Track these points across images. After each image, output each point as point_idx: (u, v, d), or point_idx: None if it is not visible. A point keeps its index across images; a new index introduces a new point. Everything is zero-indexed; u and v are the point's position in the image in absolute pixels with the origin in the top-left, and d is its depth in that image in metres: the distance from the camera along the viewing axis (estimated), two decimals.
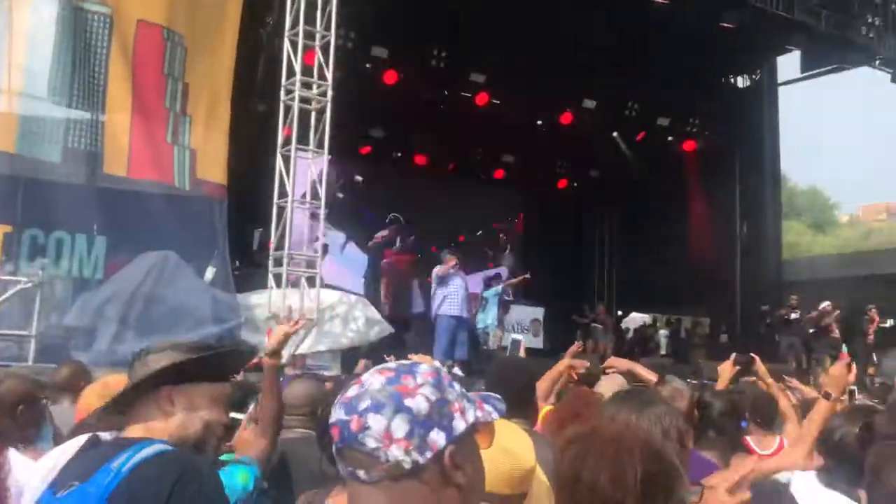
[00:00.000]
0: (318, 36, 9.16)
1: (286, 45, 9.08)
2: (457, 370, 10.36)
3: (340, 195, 16.73)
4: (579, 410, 3.01)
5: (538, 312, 16.31)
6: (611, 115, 16.68)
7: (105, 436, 1.86)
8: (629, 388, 2.94)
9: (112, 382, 3.25)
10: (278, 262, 8.84)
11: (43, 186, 7.98)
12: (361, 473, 1.14)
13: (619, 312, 19.70)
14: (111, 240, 8.16)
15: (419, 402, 1.15)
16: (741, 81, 18.02)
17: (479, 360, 11.53)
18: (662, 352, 17.11)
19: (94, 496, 1.66)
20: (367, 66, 14.20)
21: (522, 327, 15.49)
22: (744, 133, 17.32)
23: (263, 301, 8.92)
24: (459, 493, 1.18)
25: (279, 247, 8.85)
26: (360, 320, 9.54)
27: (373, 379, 1.18)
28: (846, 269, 19.10)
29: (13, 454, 2.82)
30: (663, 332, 18.19)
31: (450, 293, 10.75)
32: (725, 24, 13.47)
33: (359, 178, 17.33)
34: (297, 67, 8.96)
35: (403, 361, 1.24)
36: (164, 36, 8.46)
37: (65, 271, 8.03)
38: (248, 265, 11.14)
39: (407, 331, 12.88)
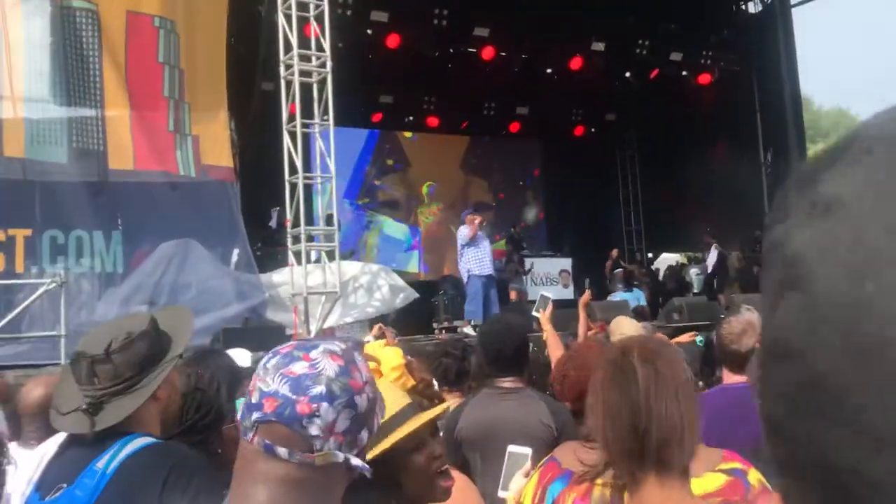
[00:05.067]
0: (311, 7, 9.04)
1: (281, 19, 8.97)
2: None
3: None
4: (567, 369, 2.98)
5: (566, 263, 16.21)
6: (621, 55, 16.34)
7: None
8: (637, 336, 2.87)
9: None
10: (296, 240, 8.85)
11: (56, 188, 8.06)
12: (282, 451, 1.10)
13: (650, 254, 19.53)
14: (127, 233, 8.27)
15: (363, 401, 1.15)
16: (752, 7, 17.53)
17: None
18: (696, 290, 16.92)
19: (81, 500, 1.62)
20: (369, 31, 14.06)
21: (550, 279, 15.42)
22: (760, 60, 16.89)
23: (286, 279, 8.97)
24: (350, 478, 1.20)
25: (296, 224, 8.85)
26: (384, 288, 9.56)
27: (326, 362, 1.14)
28: None
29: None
30: (695, 271, 17.96)
31: (480, 253, 10.80)
32: None
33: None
34: (294, 41, 8.85)
35: (345, 345, 1.20)
36: (156, 24, 8.43)
37: (87, 268, 8.14)
38: (269, 245, 11.20)
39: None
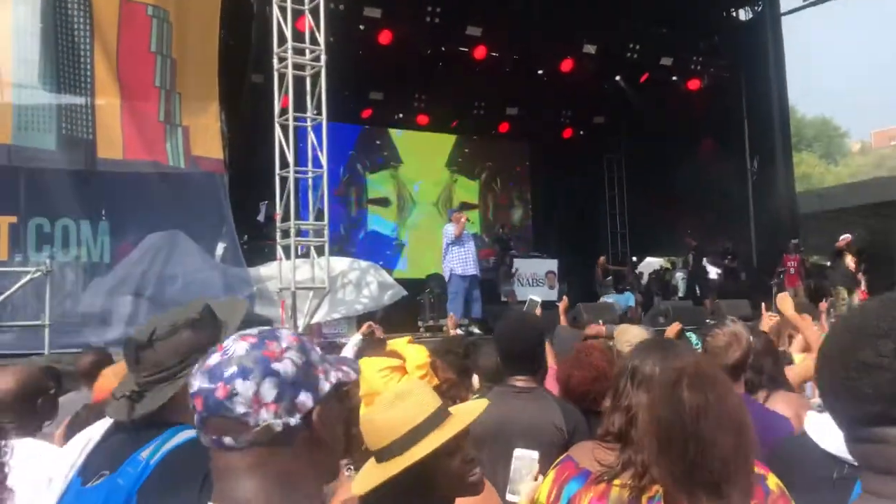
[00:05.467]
0: (306, 0, 8.98)
1: (275, 11, 8.90)
2: (474, 329, 10.37)
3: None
4: (572, 370, 2.96)
5: (552, 264, 16.22)
6: (612, 58, 16.39)
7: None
8: (653, 339, 2.85)
9: None
10: (286, 234, 8.78)
11: (43, 175, 7.95)
12: (228, 440, 1.13)
13: (634, 258, 19.62)
14: (115, 223, 8.18)
15: (286, 366, 1.15)
16: (743, 14, 17.65)
17: (496, 316, 11.51)
18: (680, 294, 17.00)
19: (123, 489, 1.59)
20: (361, 27, 13.99)
21: (537, 280, 15.43)
22: (749, 67, 17.00)
23: (274, 273, 8.90)
24: (324, 451, 1.20)
25: (285, 218, 8.78)
26: (373, 285, 9.51)
27: (236, 345, 1.17)
28: (861, 197, 18.85)
29: (30, 442, 2.81)
30: (680, 275, 18.06)
31: (464, 253, 10.77)
32: None
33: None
34: (288, 34, 8.78)
35: (263, 327, 1.23)
36: (149, 13, 8.33)
37: (73, 258, 8.04)
38: (257, 238, 11.12)
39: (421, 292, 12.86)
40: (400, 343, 2.19)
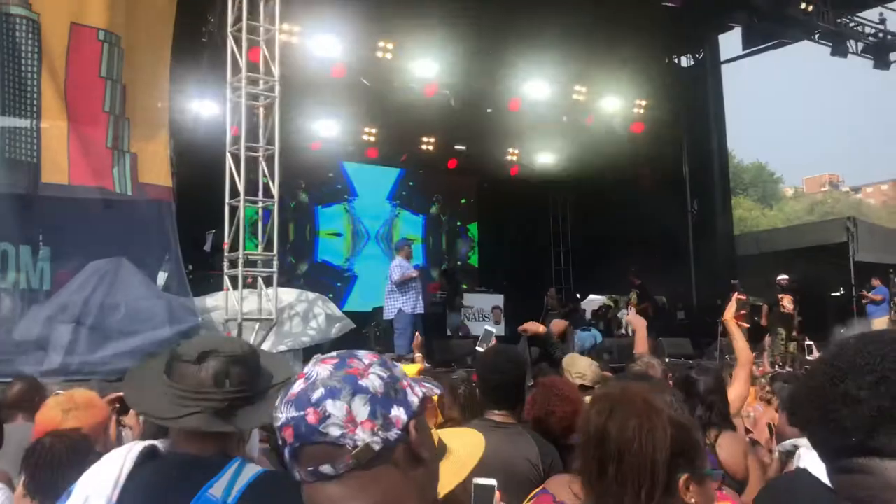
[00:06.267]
0: (262, 31, 8.98)
1: (230, 41, 8.87)
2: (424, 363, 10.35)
3: None
4: (552, 405, 2.96)
5: (498, 299, 16.33)
6: (559, 99, 16.73)
7: (161, 446, 1.65)
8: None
9: (78, 396, 3.15)
10: (233, 264, 8.66)
11: None
12: (326, 468, 1.07)
13: (578, 295, 19.85)
14: (56, 250, 7.91)
15: (374, 382, 1.11)
16: (685, 61, 18.27)
17: (442, 349, 11.50)
18: (623, 332, 17.22)
19: None
20: (314, 60, 14.01)
21: (483, 315, 15.49)
22: (690, 112, 17.57)
23: (220, 303, 8.74)
24: (426, 470, 1.14)
25: (234, 248, 8.66)
26: (321, 318, 9.42)
27: (318, 369, 1.13)
28: (795, 241, 19.49)
29: None
30: (624, 313, 18.31)
31: (413, 294, 10.81)
32: (668, 4, 13.64)
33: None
34: (243, 63, 8.76)
35: (338, 351, 1.20)
36: (100, 38, 8.18)
37: (11, 284, 7.74)
38: (203, 268, 10.93)
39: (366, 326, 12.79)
40: (410, 371, 2.16)
